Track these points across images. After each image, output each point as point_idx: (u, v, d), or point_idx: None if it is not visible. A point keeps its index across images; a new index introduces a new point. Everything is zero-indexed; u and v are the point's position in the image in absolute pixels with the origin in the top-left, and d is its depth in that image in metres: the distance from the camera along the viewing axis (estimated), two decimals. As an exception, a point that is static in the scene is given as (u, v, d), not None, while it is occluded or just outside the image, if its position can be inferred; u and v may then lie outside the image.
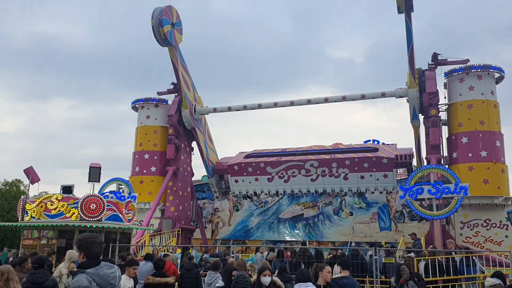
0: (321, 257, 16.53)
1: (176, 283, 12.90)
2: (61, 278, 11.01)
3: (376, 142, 30.05)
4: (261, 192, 29.79)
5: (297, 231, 32.60)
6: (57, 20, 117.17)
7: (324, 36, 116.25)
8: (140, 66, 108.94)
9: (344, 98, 28.12)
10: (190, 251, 20.37)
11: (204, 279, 11.67)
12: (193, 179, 32.34)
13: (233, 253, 16.20)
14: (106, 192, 24.48)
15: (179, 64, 28.97)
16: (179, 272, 13.46)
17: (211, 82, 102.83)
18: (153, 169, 30.83)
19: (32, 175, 21.84)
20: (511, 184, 26.12)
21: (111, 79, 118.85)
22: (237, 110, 30.44)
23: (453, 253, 16.21)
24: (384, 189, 27.65)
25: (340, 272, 7.58)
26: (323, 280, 6.88)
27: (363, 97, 27.58)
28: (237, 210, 35.29)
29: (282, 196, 32.76)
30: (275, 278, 8.04)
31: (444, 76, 27.49)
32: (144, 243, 23.72)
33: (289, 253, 18.10)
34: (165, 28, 26.59)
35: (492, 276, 9.06)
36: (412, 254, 16.03)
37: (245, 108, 29.99)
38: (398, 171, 30.14)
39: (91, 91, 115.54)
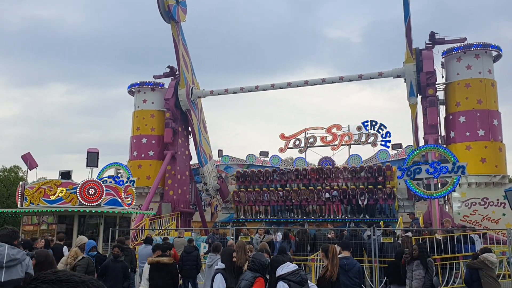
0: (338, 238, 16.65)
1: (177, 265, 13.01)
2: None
3: (374, 123, 30.01)
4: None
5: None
6: (50, 4, 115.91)
7: (321, 16, 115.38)
8: (136, 49, 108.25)
9: (341, 79, 28.02)
10: (189, 233, 20.49)
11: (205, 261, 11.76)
12: (191, 162, 32.34)
13: (232, 236, 16.31)
14: (104, 177, 24.49)
15: (180, 43, 28.92)
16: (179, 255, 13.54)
17: (207, 64, 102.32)
18: (151, 153, 30.82)
19: (30, 161, 21.80)
20: (508, 163, 26.28)
21: (106, 63, 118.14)
22: (234, 92, 30.33)
23: (451, 231, 16.32)
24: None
25: (340, 253, 7.62)
26: None
27: (360, 77, 27.48)
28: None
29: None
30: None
31: (442, 55, 27.37)
32: (144, 227, 23.82)
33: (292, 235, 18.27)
34: (170, 1, 26.77)
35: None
36: (410, 234, 16.14)
37: (242, 90, 29.88)
38: (392, 152, 30.26)
39: (87, 76, 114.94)
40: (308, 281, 5.97)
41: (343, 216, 27.73)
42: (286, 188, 29.94)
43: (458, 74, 26.53)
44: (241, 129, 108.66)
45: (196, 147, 30.59)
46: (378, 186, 27.55)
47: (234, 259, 7.36)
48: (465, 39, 26.63)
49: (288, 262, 6.03)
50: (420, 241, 15.23)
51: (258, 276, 6.13)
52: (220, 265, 7.34)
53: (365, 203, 27.09)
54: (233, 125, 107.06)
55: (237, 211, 30.48)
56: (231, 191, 31.65)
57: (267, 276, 6.75)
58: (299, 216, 28.88)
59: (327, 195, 28.23)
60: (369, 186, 27.54)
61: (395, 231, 18.26)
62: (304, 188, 29.10)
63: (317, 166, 31.00)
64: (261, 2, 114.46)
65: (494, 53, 26.85)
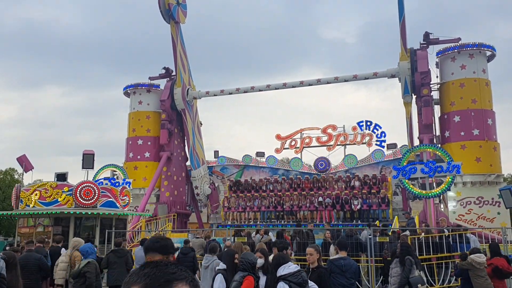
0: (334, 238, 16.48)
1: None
2: (58, 266, 11.02)
3: (369, 123, 30.08)
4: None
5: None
6: (45, 5, 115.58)
7: (316, 16, 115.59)
8: (132, 51, 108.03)
9: (336, 79, 28.13)
10: (186, 235, 20.48)
11: (201, 263, 11.76)
12: (187, 163, 32.31)
13: (229, 237, 16.33)
14: (100, 179, 24.43)
15: (179, 43, 29.21)
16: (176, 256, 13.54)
17: (203, 65, 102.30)
18: (147, 154, 30.79)
19: (25, 164, 21.72)
20: (503, 162, 26.39)
21: (102, 64, 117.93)
22: (229, 93, 30.39)
23: (446, 230, 16.39)
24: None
25: (337, 253, 7.66)
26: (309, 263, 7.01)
27: (355, 77, 27.60)
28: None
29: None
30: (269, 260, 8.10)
31: (436, 55, 27.49)
32: (140, 229, 23.79)
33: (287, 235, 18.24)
34: (170, 0, 27.34)
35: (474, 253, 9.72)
36: (407, 233, 16.19)
37: (237, 90, 29.94)
38: (387, 152, 30.19)
39: (83, 77, 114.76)
40: (309, 281, 6.02)
41: (335, 222, 26.45)
42: (278, 194, 28.29)
43: (452, 74, 26.66)
44: (237, 130, 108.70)
45: (189, 148, 30.62)
46: (372, 191, 26.72)
47: (237, 260, 7.38)
48: (459, 39, 26.77)
49: (290, 263, 6.09)
50: (416, 240, 15.32)
51: (247, 275, 6.24)
52: (222, 265, 7.38)
53: (358, 207, 25.66)
54: (229, 125, 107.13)
55: (225, 219, 28.66)
56: (222, 196, 31.28)
57: (259, 274, 6.81)
58: (290, 222, 26.64)
59: (320, 199, 26.71)
60: (363, 191, 26.56)
61: (394, 230, 18.28)
62: (296, 193, 27.75)
63: (311, 174, 30.33)
64: (257, 3, 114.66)
65: (488, 53, 27.00)
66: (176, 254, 13.79)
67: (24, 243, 12.70)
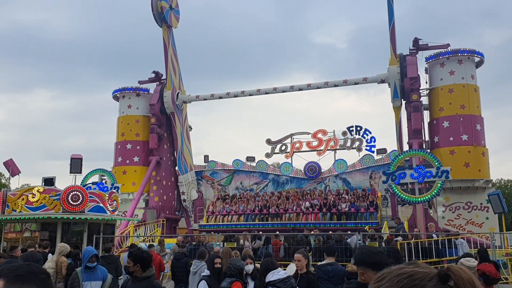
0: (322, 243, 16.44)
1: (168, 273, 12.91)
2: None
3: (358, 128, 30.16)
4: None
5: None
6: (35, 8, 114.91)
7: (307, 21, 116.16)
8: (122, 55, 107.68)
9: (326, 84, 28.25)
10: (175, 241, 20.31)
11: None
12: (176, 168, 32.14)
13: (218, 242, 16.23)
14: (88, 183, 24.22)
15: (170, 47, 29.44)
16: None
17: (194, 70, 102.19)
18: (136, 159, 30.57)
19: (12, 168, 21.46)
20: (491, 167, 26.59)
21: (92, 68, 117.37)
22: (220, 97, 30.36)
23: (436, 235, 16.44)
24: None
25: (326, 259, 7.59)
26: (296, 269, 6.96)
27: (345, 82, 27.72)
28: (222, 198, 35.15)
29: (267, 183, 32.76)
30: (258, 265, 8.04)
31: (425, 61, 27.68)
32: (129, 234, 23.57)
33: (279, 240, 18.13)
34: (163, 3, 27.66)
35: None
36: (400, 238, 16.22)
37: (228, 95, 29.92)
38: (376, 157, 30.16)
39: (73, 81, 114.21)
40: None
41: (322, 221, 26.12)
42: (265, 198, 28.21)
43: (441, 79, 26.84)
44: (228, 135, 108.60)
45: (177, 152, 30.45)
46: (361, 194, 26.83)
47: (218, 265, 7.32)
48: (448, 45, 26.99)
49: (279, 269, 6.05)
50: (406, 246, 15.35)
51: (235, 281, 6.20)
52: (206, 272, 7.31)
53: (345, 210, 25.42)
54: (219, 130, 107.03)
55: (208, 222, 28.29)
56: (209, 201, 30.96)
57: (246, 280, 6.75)
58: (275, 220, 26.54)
59: (307, 203, 26.48)
60: (351, 197, 26.48)
61: (382, 236, 18.30)
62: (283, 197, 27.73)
63: (302, 179, 30.31)
64: (248, 7, 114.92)
65: (477, 59, 27.23)
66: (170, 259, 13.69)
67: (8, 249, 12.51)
